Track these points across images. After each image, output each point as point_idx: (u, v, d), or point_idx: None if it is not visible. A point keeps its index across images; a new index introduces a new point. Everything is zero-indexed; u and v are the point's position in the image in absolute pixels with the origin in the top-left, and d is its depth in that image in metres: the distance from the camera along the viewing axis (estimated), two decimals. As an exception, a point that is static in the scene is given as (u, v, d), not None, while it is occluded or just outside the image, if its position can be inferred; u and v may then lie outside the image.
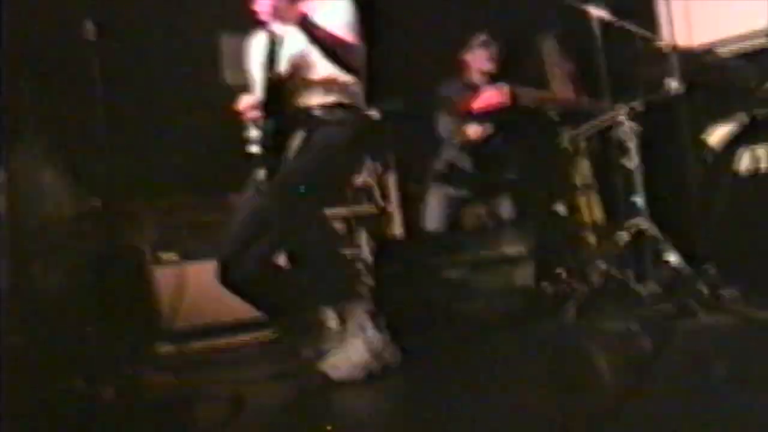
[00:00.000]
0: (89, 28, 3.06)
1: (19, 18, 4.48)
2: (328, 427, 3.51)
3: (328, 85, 3.99)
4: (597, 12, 4.95)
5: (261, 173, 3.88)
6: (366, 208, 5.68)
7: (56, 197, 5.02)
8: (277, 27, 3.92)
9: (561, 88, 6.36)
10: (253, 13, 3.83)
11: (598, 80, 4.90)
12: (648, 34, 5.02)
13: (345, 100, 4.02)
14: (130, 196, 5.25)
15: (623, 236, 4.56)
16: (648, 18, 5.55)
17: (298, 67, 3.98)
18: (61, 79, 5.00)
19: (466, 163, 5.75)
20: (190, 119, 5.59)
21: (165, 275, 5.24)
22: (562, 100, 5.57)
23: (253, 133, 3.94)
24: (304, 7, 3.80)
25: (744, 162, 4.12)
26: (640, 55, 4.85)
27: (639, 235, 4.53)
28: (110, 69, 3.34)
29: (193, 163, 5.61)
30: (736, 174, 4.13)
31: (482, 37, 6.09)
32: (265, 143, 3.90)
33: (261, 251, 3.87)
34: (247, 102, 4.09)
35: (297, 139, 3.95)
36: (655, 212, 4.51)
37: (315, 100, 4.00)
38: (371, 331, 3.79)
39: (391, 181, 5.67)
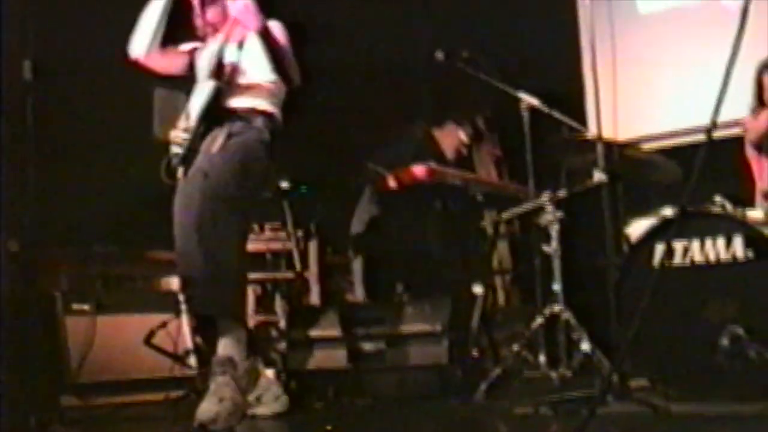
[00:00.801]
0: (27, 67, 3.03)
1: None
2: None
3: (255, 90, 4.29)
4: (528, 99, 5.06)
5: (180, 171, 4.07)
6: (284, 273, 5.70)
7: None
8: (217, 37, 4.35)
9: (486, 169, 6.47)
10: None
11: (523, 165, 4.98)
12: (576, 124, 5.15)
13: (266, 108, 4.31)
14: (48, 242, 5.19)
15: (538, 320, 4.63)
16: (576, 109, 5.69)
17: (231, 73, 4.24)
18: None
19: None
20: (117, 169, 5.58)
21: (76, 325, 5.16)
22: (487, 181, 5.66)
23: (183, 135, 4.15)
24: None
25: (659, 255, 4.22)
26: (567, 144, 4.94)
27: (554, 319, 4.60)
28: (43, 111, 3.33)
29: (115, 214, 5.58)
30: (652, 267, 4.22)
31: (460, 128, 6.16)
32: (192, 146, 4.10)
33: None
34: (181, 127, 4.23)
35: (219, 138, 4.11)
36: (571, 299, 4.58)
37: (240, 103, 4.27)
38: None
39: (312, 248, 5.69)
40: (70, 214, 5.46)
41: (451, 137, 6.19)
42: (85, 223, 5.54)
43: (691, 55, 5.81)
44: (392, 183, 5.43)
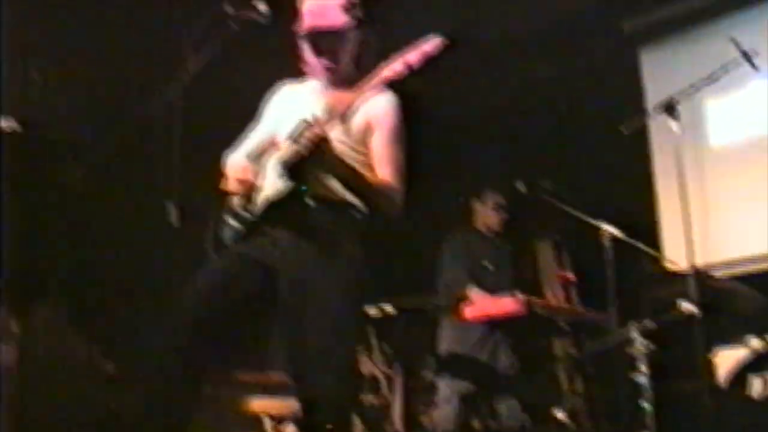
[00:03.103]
0: (172, 211, 3.20)
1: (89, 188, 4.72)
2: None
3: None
4: (609, 229, 5.21)
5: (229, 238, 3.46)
6: (367, 398, 5.76)
7: (70, 358, 5.09)
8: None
9: (553, 292, 6.56)
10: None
11: (604, 294, 5.13)
12: (656, 253, 5.29)
13: (353, 199, 3.49)
14: (141, 362, 5.33)
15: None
16: (654, 235, 5.84)
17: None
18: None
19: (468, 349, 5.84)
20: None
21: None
22: (574, 311, 5.75)
23: (241, 210, 3.49)
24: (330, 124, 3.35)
25: (755, 388, 4.30)
26: (648, 274, 5.06)
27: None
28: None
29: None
30: (747, 399, 4.30)
31: (499, 201, 6.21)
32: (253, 227, 3.44)
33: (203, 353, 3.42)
34: (243, 168, 3.55)
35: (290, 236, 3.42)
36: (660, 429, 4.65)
37: (323, 189, 3.44)
38: None
39: (397, 373, 5.75)
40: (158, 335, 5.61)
41: (490, 217, 6.26)
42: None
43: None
44: (473, 314, 5.53)
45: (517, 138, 7.41)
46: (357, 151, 3.51)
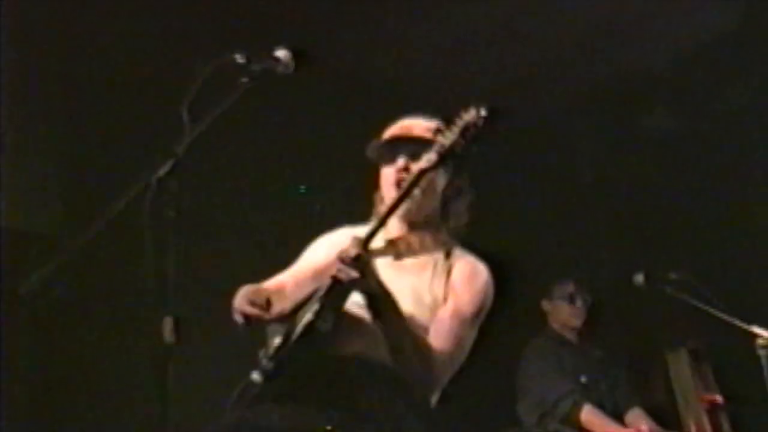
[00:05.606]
0: (168, 325, 3.09)
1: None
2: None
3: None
4: (765, 333, 5.09)
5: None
6: None
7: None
8: None
9: (695, 418, 6.33)
10: None
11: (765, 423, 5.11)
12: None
13: (420, 374, 3.43)
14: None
15: None
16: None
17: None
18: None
19: None
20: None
21: None
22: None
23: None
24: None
25: None
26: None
27: None
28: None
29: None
30: None
31: (568, 289, 6.29)
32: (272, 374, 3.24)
33: None
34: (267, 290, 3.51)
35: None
36: None
37: (360, 346, 3.41)
38: None
39: None
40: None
41: (563, 313, 6.41)
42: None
43: None
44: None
45: (628, 213, 7.41)
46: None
